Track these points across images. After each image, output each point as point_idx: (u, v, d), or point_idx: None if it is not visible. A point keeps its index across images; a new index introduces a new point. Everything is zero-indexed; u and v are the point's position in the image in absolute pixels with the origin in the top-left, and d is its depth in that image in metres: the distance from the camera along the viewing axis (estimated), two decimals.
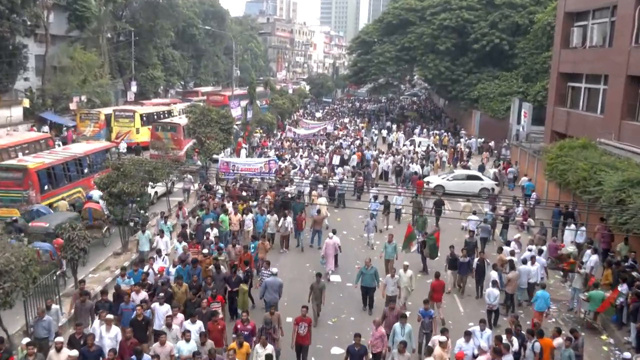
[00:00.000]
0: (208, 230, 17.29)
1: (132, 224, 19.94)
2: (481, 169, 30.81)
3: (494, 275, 14.91)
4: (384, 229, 21.35)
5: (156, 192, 24.55)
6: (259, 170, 22.17)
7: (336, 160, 31.89)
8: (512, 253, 16.57)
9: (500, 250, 16.97)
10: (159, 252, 15.31)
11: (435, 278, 14.83)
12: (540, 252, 16.79)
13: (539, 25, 42.26)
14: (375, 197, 22.29)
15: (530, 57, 42.87)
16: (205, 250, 15.51)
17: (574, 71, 27.50)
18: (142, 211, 22.05)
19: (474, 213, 21.71)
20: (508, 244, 18.15)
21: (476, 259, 16.11)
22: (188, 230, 17.76)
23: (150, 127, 36.99)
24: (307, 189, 23.47)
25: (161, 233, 16.80)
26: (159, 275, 13.91)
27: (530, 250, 16.83)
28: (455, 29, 49.45)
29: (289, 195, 22.03)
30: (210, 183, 23.30)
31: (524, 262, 16.07)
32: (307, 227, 20.37)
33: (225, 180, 23.51)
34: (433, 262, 18.27)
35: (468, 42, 48.53)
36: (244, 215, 19.29)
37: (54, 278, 14.61)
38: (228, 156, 32.60)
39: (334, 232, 18.07)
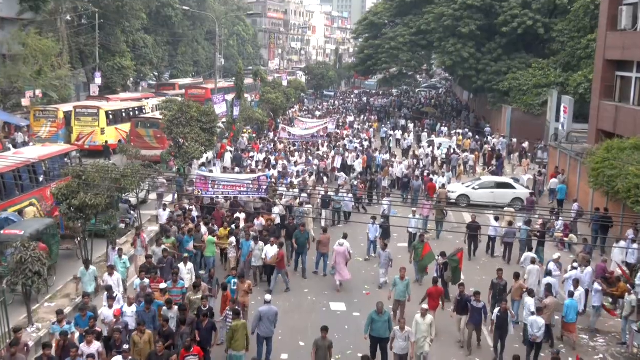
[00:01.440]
0: (180, 266, 16.12)
1: (122, 225, 20.00)
2: (516, 181, 30.71)
3: (529, 302, 14.87)
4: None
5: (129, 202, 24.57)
6: (245, 187, 21.43)
7: (337, 161, 32.17)
8: (536, 262, 17.22)
9: (516, 276, 16.46)
10: (108, 289, 14.25)
11: (432, 284, 15.80)
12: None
13: (580, 4, 42.39)
14: (374, 219, 21.15)
15: (570, 41, 42.99)
16: (163, 285, 14.64)
17: (623, 58, 27.55)
18: (132, 212, 22.35)
19: (496, 219, 21.83)
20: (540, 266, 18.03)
21: (496, 309, 14.51)
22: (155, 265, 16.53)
23: (117, 126, 37.19)
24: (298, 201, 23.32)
25: (110, 269, 15.62)
26: (114, 320, 13.05)
27: (575, 268, 16.80)
28: (480, 8, 49.63)
29: (294, 217, 21.17)
30: (185, 204, 22.27)
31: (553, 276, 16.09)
32: (310, 249, 19.94)
33: (201, 199, 22.85)
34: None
35: (496, 24, 48.68)
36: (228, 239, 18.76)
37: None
38: (210, 161, 32.76)
39: (345, 236, 18.88)
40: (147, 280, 14.88)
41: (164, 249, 17.19)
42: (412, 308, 15.64)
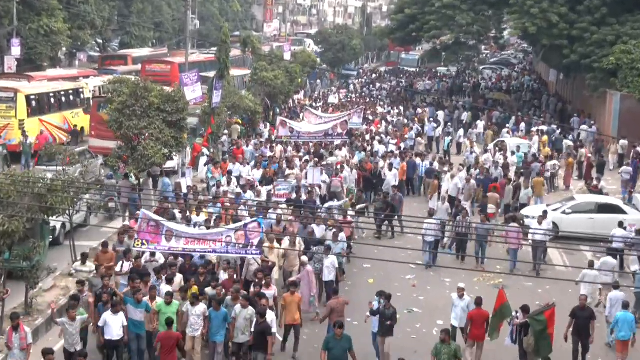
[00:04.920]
0: None
1: (112, 204, 21.20)
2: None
3: None
4: None
5: (63, 226, 24.77)
6: (223, 244, 19.92)
7: (315, 176, 29.46)
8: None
9: None
10: None
11: (475, 305, 16.35)
12: None
13: None
14: (382, 296, 18.84)
15: None
16: None
17: None
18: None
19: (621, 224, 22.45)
20: None
21: None
22: None
23: (43, 117, 37.24)
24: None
25: None
26: None
27: None
28: None
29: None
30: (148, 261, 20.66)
31: None
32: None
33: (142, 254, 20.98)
34: None
35: None
36: (192, 307, 17.68)
37: None
38: (179, 169, 32.73)
39: (310, 257, 21.14)
40: None
41: (81, 354, 16.09)
42: None
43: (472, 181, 31.02)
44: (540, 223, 25.49)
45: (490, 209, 28.33)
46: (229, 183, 28.64)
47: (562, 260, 26.13)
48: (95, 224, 27.11)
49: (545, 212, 26.36)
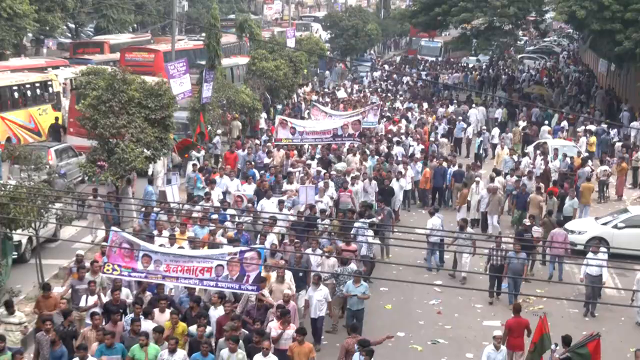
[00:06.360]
0: None
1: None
2: None
3: None
4: None
5: (29, 241, 24.92)
6: (213, 274, 19.13)
7: (309, 195, 28.02)
8: None
9: None
10: None
11: (513, 313, 17.18)
12: None
13: None
14: (364, 347, 17.68)
15: None
16: None
17: None
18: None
19: None
20: None
21: None
22: None
23: (5, 115, 37.38)
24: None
25: None
26: None
27: None
28: None
29: None
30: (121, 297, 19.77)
31: None
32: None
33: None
34: None
35: None
36: (170, 355, 17.03)
37: None
38: (164, 174, 32.77)
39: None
40: None
41: None
42: None
43: (500, 192, 30.69)
44: (595, 253, 23.92)
45: (536, 232, 26.67)
46: (208, 199, 27.46)
47: (613, 283, 26.05)
48: (66, 239, 27.18)
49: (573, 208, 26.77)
